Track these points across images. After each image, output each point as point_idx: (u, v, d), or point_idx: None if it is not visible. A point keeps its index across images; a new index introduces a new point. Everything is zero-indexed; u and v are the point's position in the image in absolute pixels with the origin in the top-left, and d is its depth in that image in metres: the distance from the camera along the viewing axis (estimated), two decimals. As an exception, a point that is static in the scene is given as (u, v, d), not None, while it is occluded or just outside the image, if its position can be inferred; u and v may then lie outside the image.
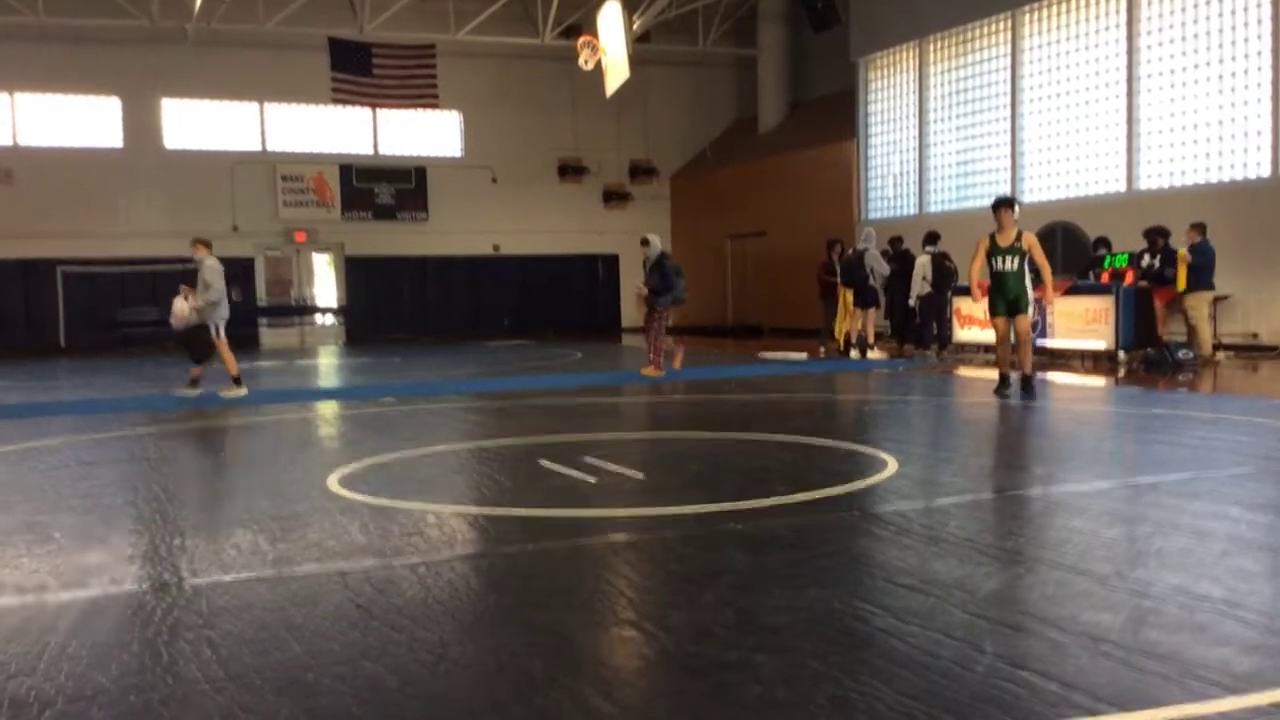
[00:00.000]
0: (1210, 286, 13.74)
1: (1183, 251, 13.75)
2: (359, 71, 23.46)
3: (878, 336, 17.98)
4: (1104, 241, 15.01)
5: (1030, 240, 10.28)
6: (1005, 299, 10.32)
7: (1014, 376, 10.55)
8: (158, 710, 3.06)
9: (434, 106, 24.84)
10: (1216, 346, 14.15)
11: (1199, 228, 13.72)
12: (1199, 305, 13.71)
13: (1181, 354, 13.50)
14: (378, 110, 25.69)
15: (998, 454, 7.59)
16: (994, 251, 10.26)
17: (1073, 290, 14.56)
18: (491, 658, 3.49)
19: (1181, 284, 13.72)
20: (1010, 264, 10.20)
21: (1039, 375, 13.14)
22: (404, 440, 8.62)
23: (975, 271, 10.51)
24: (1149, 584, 4.06)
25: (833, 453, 7.51)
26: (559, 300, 28.07)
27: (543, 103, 27.27)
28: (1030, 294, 10.33)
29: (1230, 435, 7.98)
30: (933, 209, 21.31)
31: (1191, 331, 13.77)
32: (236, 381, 12.30)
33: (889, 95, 22.67)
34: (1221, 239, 13.91)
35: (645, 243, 14.21)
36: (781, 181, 24.81)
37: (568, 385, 13.51)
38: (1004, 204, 10.28)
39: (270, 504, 6.11)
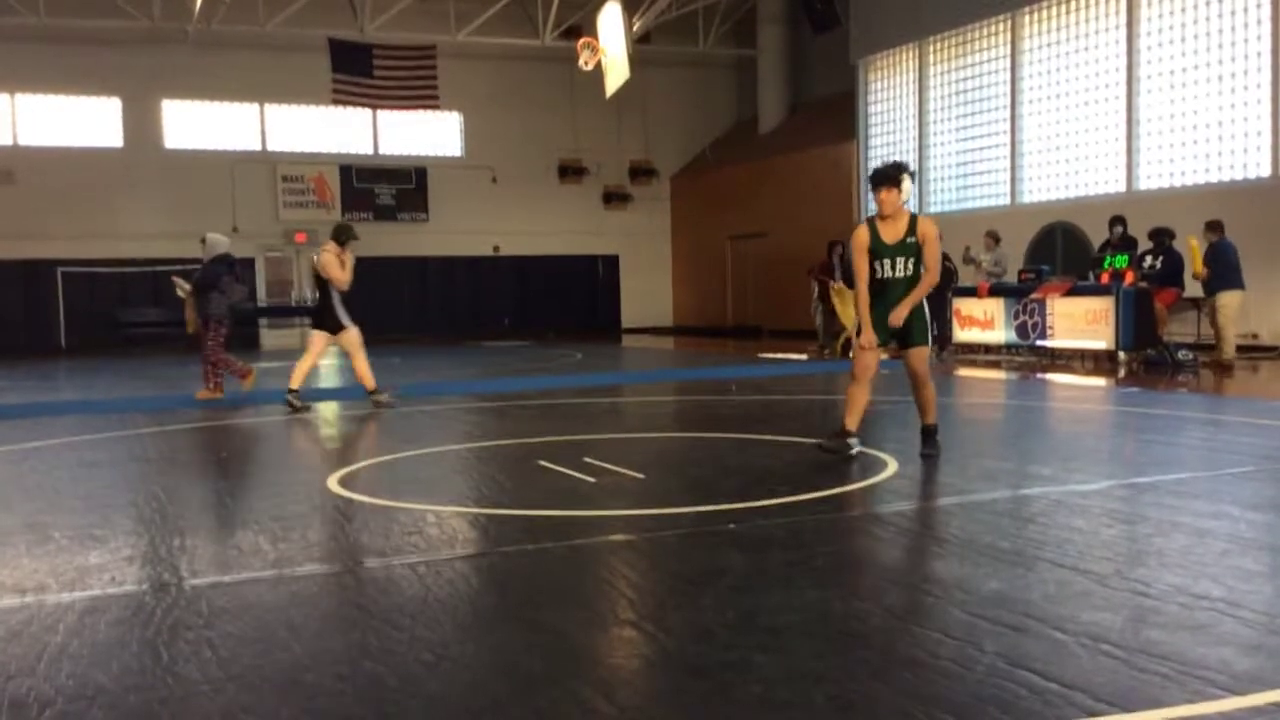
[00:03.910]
0: (1241, 285, 13.47)
1: (1198, 265, 13.54)
2: (360, 73, 23.48)
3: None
4: (1120, 220, 14.93)
5: (927, 230, 6.83)
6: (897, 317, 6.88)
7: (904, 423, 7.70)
8: (157, 711, 3.06)
9: (434, 108, 24.86)
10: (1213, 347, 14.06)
11: (1216, 227, 13.53)
12: (1230, 305, 13.44)
13: (1181, 354, 13.49)
14: (378, 111, 25.71)
15: (997, 454, 7.59)
16: (877, 250, 6.85)
17: (1073, 291, 14.57)
18: (491, 657, 3.49)
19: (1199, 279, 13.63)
20: (901, 268, 6.83)
21: (1038, 375, 13.16)
22: (404, 440, 8.62)
23: (862, 281, 6.97)
24: (1149, 583, 4.06)
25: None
26: (559, 301, 28.10)
27: (543, 103, 27.30)
28: (926, 316, 7.00)
29: (1230, 435, 7.98)
30: (933, 210, 21.31)
31: (1218, 332, 13.60)
32: None
33: (889, 96, 22.68)
34: (1221, 240, 13.90)
35: (203, 241, 12.35)
36: (781, 182, 24.83)
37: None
38: (884, 180, 6.78)
39: (270, 504, 6.11)
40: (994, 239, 17.18)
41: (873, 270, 6.90)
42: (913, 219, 6.87)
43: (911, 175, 6.99)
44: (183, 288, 12.39)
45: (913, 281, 6.84)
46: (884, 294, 6.90)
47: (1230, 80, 15.65)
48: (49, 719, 3.03)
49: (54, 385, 14.83)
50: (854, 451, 6.96)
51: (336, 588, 4.28)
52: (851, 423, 6.98)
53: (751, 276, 26.49)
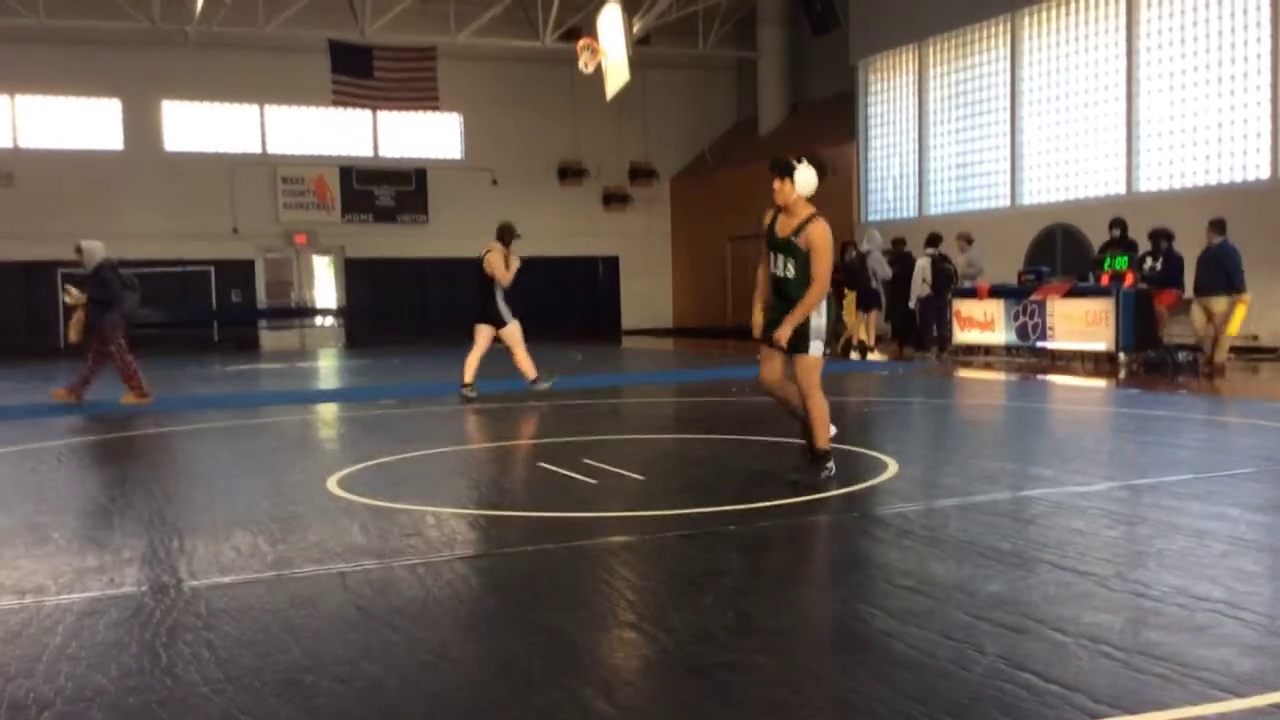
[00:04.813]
0: (1244, 288, 13.23)
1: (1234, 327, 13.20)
2: (360, 74, 23.46)
3: (878, 339, 17.99)
4: (1120, 222, 14.89)
5: (813, 238, 6.08)
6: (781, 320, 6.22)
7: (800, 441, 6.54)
8: (156, 712, 3.06)
9: (434, 109, 24.85)
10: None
11: (1221, 226, 13.25)
12: (1238, 308, 13.20)
13: (1182, 356, 13.47)
14: (378, 112, 25.71)
15: (997, 456, 7.58)
16: (770, 241, 6.31)
17: (1073, 292, 14.57)
18: (491, 658, 3.48)
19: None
20: (783, 268, 6.24)
21: (1038, 377, 13.14)
22: (404, 442, 8.62)
23: (761, 277, 6.45)
24: (1149, 585, 4.05)
25: (832, 454, 7.49)
26: (559, 302, 28.07)
27: (543, 105, 27.30)
28: (821, 314, 6.19)
29: (1230, 437, 7.98)
30: (932, 211, 21.31)
31: (1218, 335, 13.40)
32: None
33: (888, 98, 22.68)
34: (1220, 241, 13.87)
35: (79, 250, 11.93)
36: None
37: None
38: (776, 169, 6.20)
39: (270, 505, 6.11)
40: (966, 240, 17.20)
41: (770, 262, 6.33)
42: (808, 219, 6.13)
43: (820, 167, 6.19)
44: (75, 296, 11.94)
45: (798, 285, 6.13)
46: (778, 293, 6.29)
47: (1230, 82, 15.66)
48: (48, 720, 3.02)
49: (53, 386, 14.78)
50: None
51: (336, 589, 4.28)
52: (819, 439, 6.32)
53: (751, 278, 26.46)
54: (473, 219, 27.12)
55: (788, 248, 6.17)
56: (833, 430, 6.45)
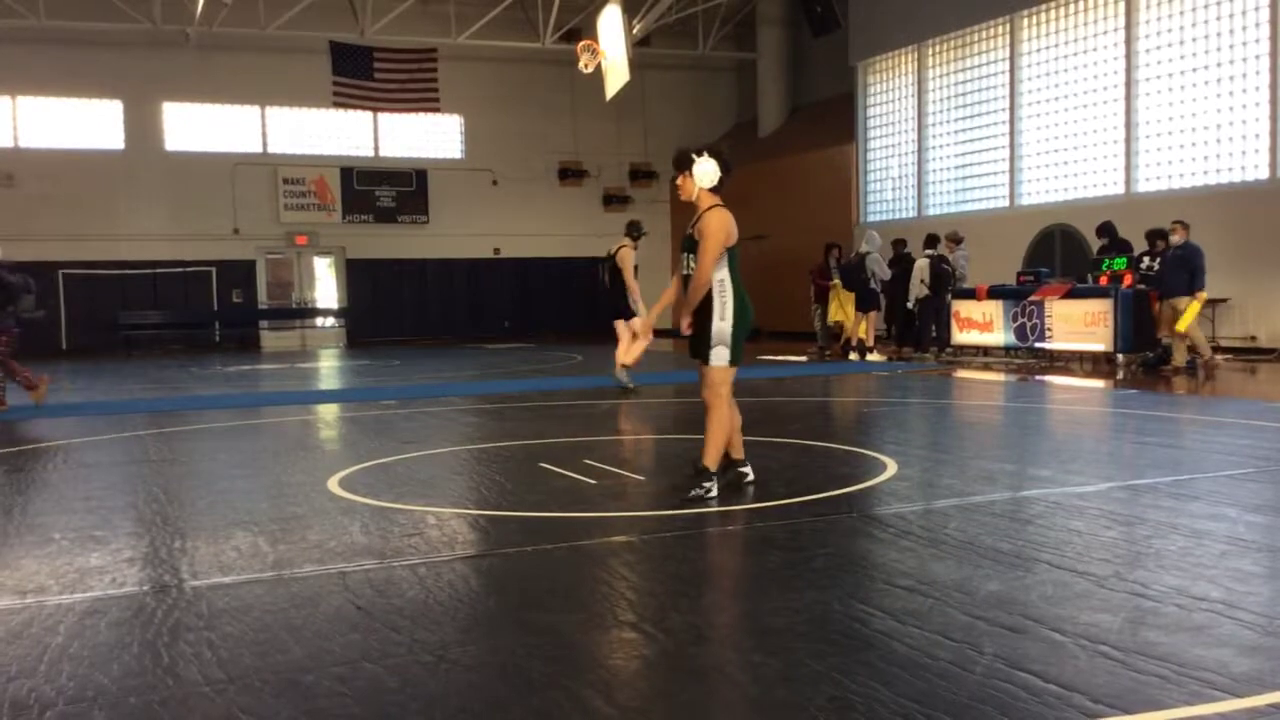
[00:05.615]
0: (1203, 288, 13.28)
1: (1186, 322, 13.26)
2: (360, 75, 23.51)
3: (877, 339, 18.00)
4: (1107, 229, 14.88)
5: (704, 224, 5.91)
6: (696, 327, 5.93)
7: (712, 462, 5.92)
8: (158, 712, 3.07)
9: (435, 110, 24.89)
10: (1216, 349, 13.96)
11: (1185, 226, 13.30)
12: (1194, 310, 13.17)
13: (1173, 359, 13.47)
14: (378, 113, 25.75)
15: (996, 456, 7.59)
16: (681, 245, 6.09)
17: (1072, 293, 14.58)
18: (491, 659, 3.50)
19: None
20: (685, 265, 5.99)
21: (1037, 378, 13.14)
22: (404, 442, 8.63)
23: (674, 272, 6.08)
24: (1147, 585, 4.07)
25: (832, 455, 7.51)
26: (559, 303, 28.12)
27: (543, 106, 27.33)
28: (725, 318, 5.82)
29: (1228, 437, 7.99)
30: (931, 212, 21.33)
31: (1191, 337, 13.43)
32: None
33: (888, 99, 22.71)
34: (1219, 242, 13.90)
35: None
36: (781, 185, 24.84)
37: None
38: (675, 164, 6.25)
39: (270, 505, 6.12)
40: (954, 241, 17.20)
41: (682, 265, 6.04)
42: (708, 210, 5.93)
43: (720, 158, 6.08)
44: None
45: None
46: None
47: (1229, 83, 15.68)
48: (50, 720, 3.04)
49: (54, 387, 14.82)
50: (748, 480, 6.13)
51: (336, 589, 4.29)
52: (735, 452, 6.13)
53: (751, 279, 26.38)
54: (473, 219, 27.21)
55: (687, 243, 5.94)
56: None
